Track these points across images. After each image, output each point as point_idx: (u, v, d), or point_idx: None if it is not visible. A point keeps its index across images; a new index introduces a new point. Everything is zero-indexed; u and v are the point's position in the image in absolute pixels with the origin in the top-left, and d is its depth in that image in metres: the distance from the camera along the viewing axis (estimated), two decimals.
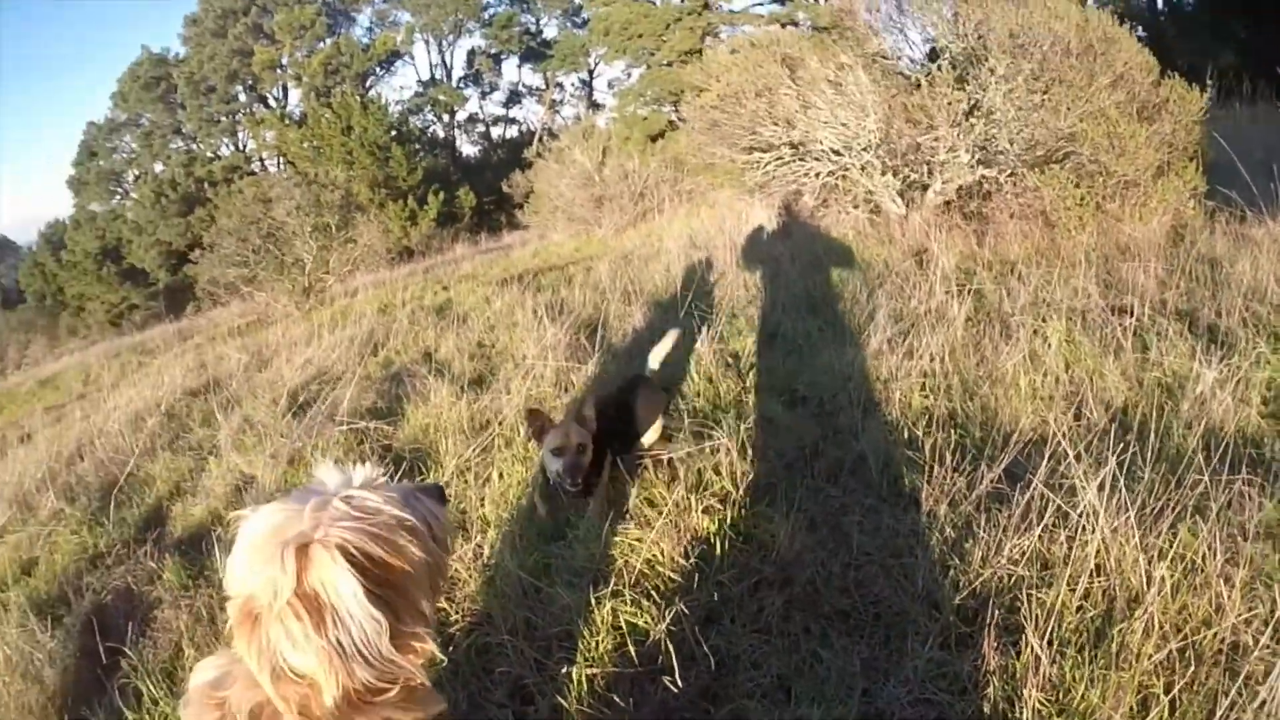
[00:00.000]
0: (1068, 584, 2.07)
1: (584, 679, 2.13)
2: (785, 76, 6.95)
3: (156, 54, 37.70)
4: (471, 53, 39.71)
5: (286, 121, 33.58)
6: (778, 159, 7.35)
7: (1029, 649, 1.93)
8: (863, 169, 6.91)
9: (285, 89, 36.91)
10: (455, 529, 2.90)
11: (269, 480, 3.86)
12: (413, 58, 39.96)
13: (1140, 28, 13.92)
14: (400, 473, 3.53)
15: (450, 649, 2.37)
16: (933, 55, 6.86)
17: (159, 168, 37.36)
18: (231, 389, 5.86)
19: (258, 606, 1.07)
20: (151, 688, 2.51)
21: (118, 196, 38.36)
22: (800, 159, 7.28)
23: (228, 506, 3.75)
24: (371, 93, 33.34)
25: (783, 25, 26.55)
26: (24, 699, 2.77)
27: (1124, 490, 2.19)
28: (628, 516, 2.78)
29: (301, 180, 13.52)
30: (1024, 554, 2.24)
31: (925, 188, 6.74)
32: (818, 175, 7.25)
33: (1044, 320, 3.90)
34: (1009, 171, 6.10)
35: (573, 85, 41.07)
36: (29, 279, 37.93)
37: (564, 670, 2.18)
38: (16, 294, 41.81)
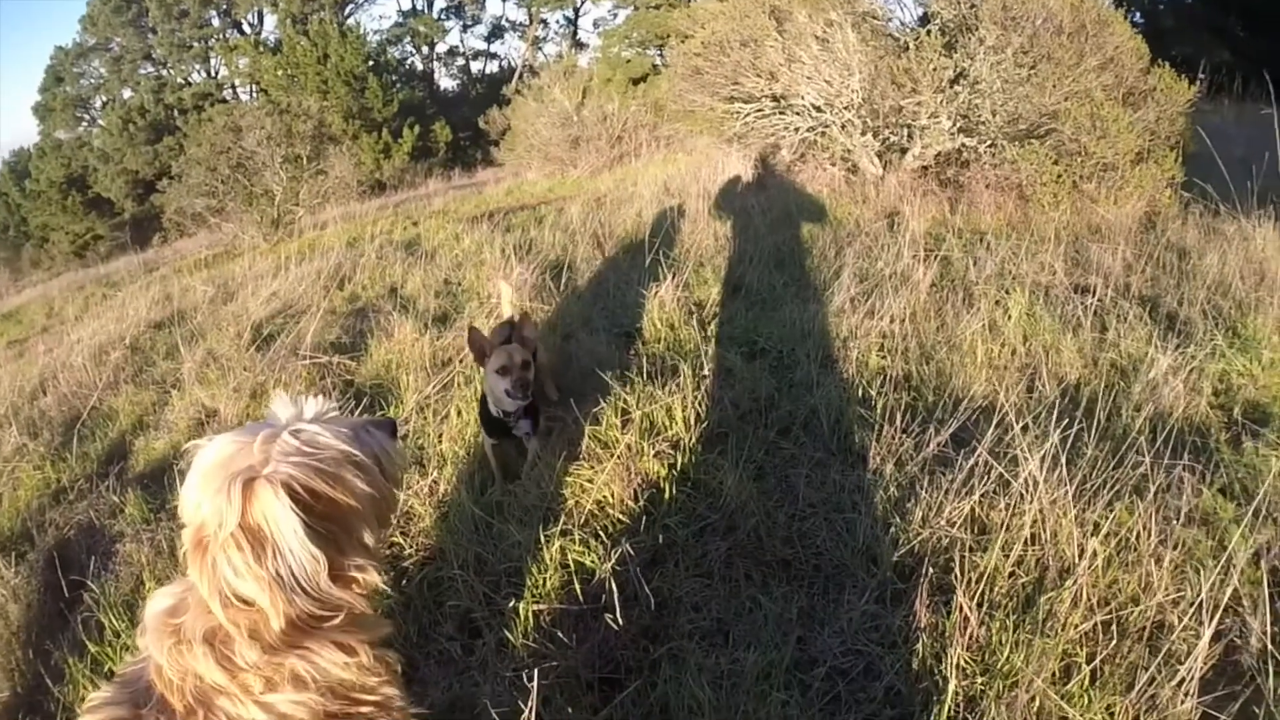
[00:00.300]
0: (1002, 549, 2.17)
1: (530, 614, 2.22)
2: (772, 29, 6.95)
3: None
4: None
5: (261, 49, 32.88)
6: (758, 111, 7.38)
7: (959, 610, 2.03)
8: (843, 127, 6.94)
9: (260, 15, 35.74)
10: (407, 464, 2.95)
11: (231, 414, 3.89)
12: None
13: (1137, 13, 13.93)
14: (361, 408, 3.59)
15: (403, 582, 2.46)
16: (924, 20, 6.88)
17: (128, 94, 36.36)
18: (196, 322, 5.84)
19: (207, 535, 1.12)
20: (113, 620, 2.57)
21: (85, 124, 37.37)
22: (781, 113, 7.32)
23: (190, 440, 3.77)
24: (350, 21, 32.37)
25: None
26: None
27: (1065, 464, 2.29)
28: (580, 457, 2.84)
29: (273, 109, 13.26)
30: (963, 517, 2.33)
31: (904, 151, 6.80)
32: (797, 130, 7.30)
33: (1007, 292, 3.99)
34: (989, 142, 6.16)
35: (557, 22, 40.19)
36: None
37: (511, 605, 2.26)
38: None
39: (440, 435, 3.24)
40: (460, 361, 3.85)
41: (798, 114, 7.18)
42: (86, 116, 37.55)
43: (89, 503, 3.51)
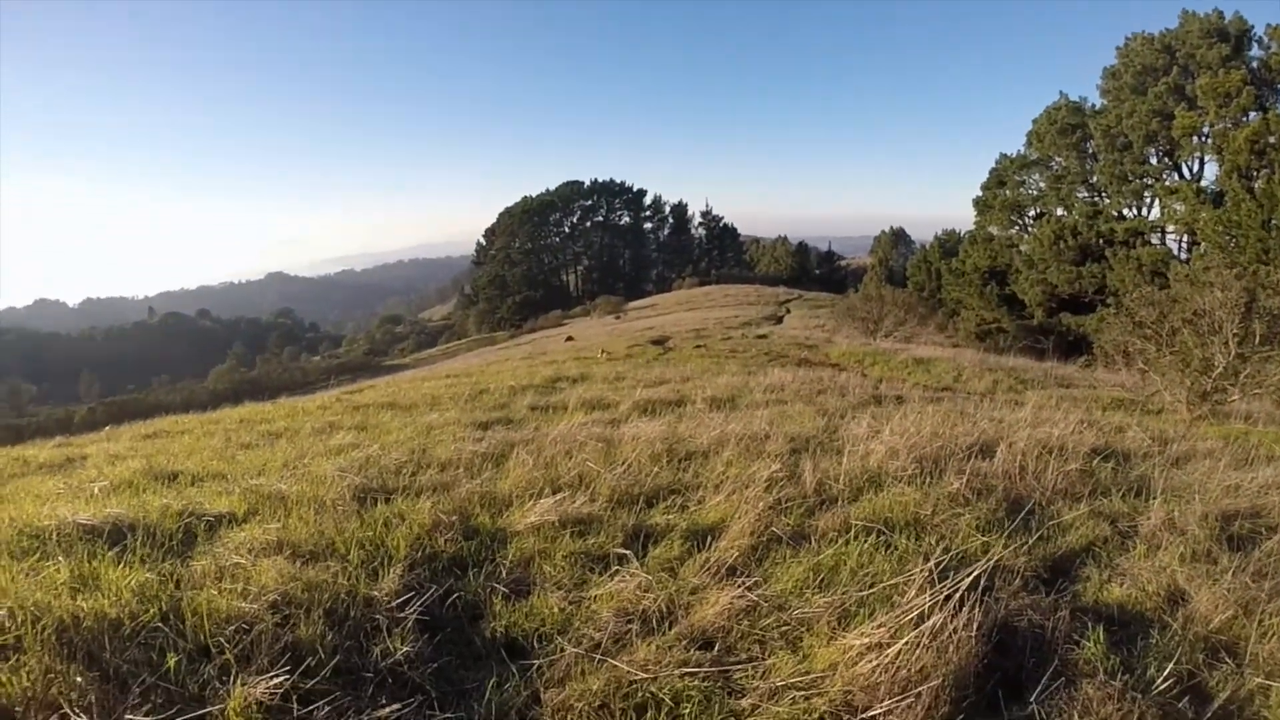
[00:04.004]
0: None
1: None
2: None
3: (1074, 101, 38.08)
4: None
5: (1201, 197, 30.38)
6: None
7: None
8: None
9: (1202, 160, 33.13)
10: None
11: None
12: None
13: None
14: None
15: None
16: None
17: (1060, 212, 38.06)
18: (1142, 469, 5.37)
19: None
20: None
21: (1016, 228, 40.43)
22: None
23: None
24: None
25: None
26: None
27: None
28: None
29: (1242, 273, 11.98)
30: None
31: None
32: None
33: None
34: None
35: None
36: (915, 271, 44.19)
37: None
38: (901, 277, 49.35)
39: None
40: None
41: None
42: (1019, 222, 40.48)
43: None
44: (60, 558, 3.33)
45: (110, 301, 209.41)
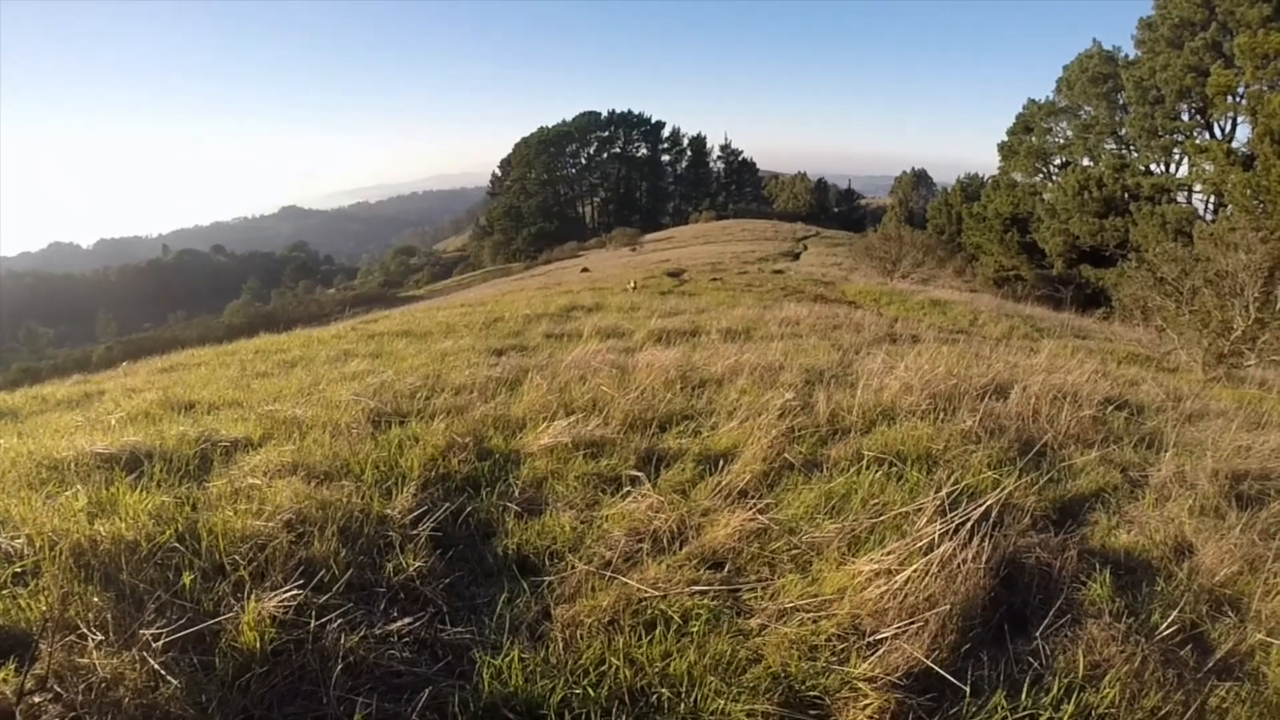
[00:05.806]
0: None
1: None
2: None
3: (1107, 50, 36.68)
4: None
5: (1231, 158, 29.51)
6: None
7: None
8: None
9: (1234, 121, 31.72)
10: None
11: None
12: None
13: None
14: None
15: None
16: None
17: (1086, 162, 37.11)
18: (1155, 423, 5.33)
19: None
20: None
21: (1040, 175, 39.56)
22: None
23: None
24: None
25: None
26: None
27: None
28: None
29: (1268, 236, 11.69)
30: None
31: None
32: None
33: None
34: None
35: None
36: (935, 213, 43.59)
37: None
38: (921, 219, 48.79)
39: None
40: None
41: None
42: (1044, 170, 39.61)
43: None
44: (78, 485, 3.35)
45: (124, 241, 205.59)
